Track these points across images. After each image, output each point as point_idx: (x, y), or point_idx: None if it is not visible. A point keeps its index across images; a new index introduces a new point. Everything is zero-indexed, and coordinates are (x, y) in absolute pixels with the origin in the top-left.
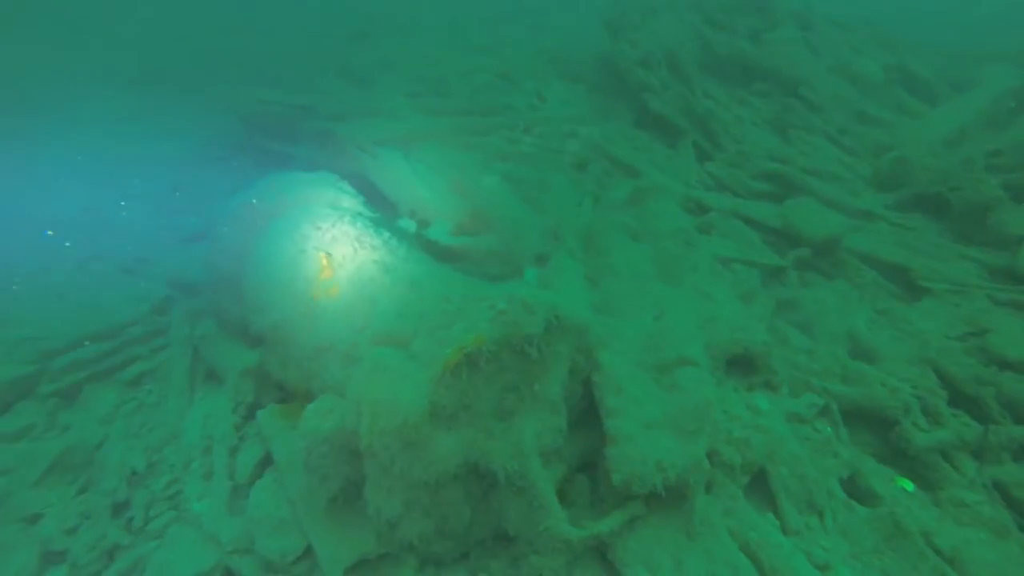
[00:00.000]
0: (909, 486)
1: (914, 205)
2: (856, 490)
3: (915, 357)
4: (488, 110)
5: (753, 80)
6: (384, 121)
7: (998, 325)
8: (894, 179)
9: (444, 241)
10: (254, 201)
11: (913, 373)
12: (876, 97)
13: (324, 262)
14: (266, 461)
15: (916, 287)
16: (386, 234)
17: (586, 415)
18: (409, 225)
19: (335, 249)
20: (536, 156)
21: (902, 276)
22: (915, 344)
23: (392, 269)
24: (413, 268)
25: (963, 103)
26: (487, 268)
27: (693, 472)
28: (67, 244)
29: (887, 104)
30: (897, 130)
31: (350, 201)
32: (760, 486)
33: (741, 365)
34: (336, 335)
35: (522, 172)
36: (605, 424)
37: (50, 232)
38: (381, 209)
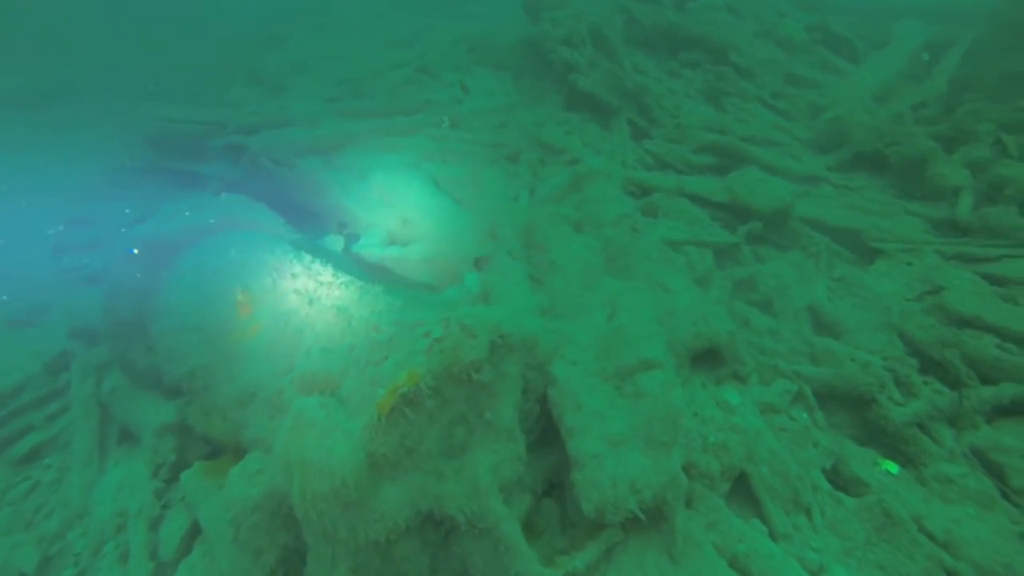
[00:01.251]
0: (893, 468)
1: (855, 164)
2: (841, 479)
3: (879, 324)
4: (410, 108)
5: (681, 50)
6: (300, 130)
7: (950, 281)
8: (832, 139)
9: (376, 254)
10: (153, 236)
11: (880, 343)
12: (802, 58)
13: (240, 298)
14: (195, 531)
15: (868, 249)
16: (307, 257)
17: (547, 433)
18: (336, 242)
19: (252, 281)
20: (465, 152)
21: (853, 239)
22: (876, 311)
23: (316, 298)
24: (339, 293)
25: (884, 59)
26: (425, 278)
27: (671, 489)
28: None
29: (814, 64)
30: (828, 90)
31: (266, 223)
32: (742, 490)
33: (707, 358)
34: (260, 380)
35: (451, 170)
36: (568, 446)
37: None
38: (305, 227)
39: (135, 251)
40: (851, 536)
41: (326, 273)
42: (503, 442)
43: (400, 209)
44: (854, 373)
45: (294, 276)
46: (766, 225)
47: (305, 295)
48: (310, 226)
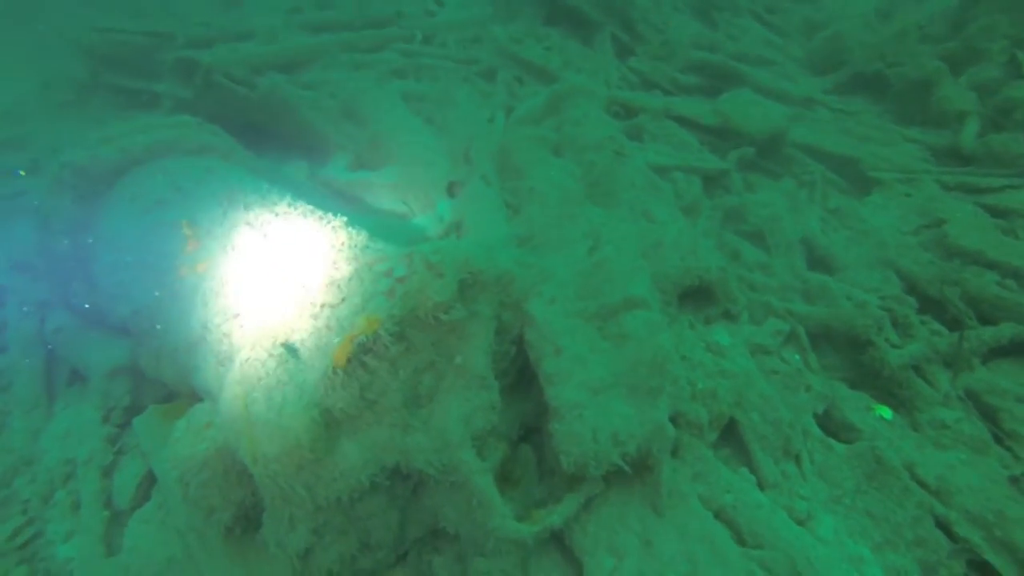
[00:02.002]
0: (887, 413)
1: (853, 87)
2: (832, 424)
3: (875, 260)
4: (379, 21)
5: None
6: (259, 44)
7: (951, 213)
8: (830, 59)
9: (343, 179)
10: (84, 160)
11: (877, 280)
12: None
13: (187, 231)
14: (151, 479)
15: (865, 178)
16: (265, 186)
17: (523, 375)
18: (299, 168)
19: (199, 212)
20: (438, 69)
21: (850, 168)
22: (872, 244)
23: (270, 231)
24: (296, 225)
25: None
26: (395, 205)
27: (656, 440)
28: None
29: None
30: (826, 3)
31: (220, 147)
32: (731, 437)
33: (695, 295)
34: (209, 323)
35: (423, 88)
36: (546, 394)
37: None
38: (266, 151)
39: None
40: (840, 483)
41: (282, 203)
42: (475, 389)
43: (369, 130)
44: (851, 314)
45: (247, 207)
46: (758, 151)
47: (259, 227)
48: (271, 150)
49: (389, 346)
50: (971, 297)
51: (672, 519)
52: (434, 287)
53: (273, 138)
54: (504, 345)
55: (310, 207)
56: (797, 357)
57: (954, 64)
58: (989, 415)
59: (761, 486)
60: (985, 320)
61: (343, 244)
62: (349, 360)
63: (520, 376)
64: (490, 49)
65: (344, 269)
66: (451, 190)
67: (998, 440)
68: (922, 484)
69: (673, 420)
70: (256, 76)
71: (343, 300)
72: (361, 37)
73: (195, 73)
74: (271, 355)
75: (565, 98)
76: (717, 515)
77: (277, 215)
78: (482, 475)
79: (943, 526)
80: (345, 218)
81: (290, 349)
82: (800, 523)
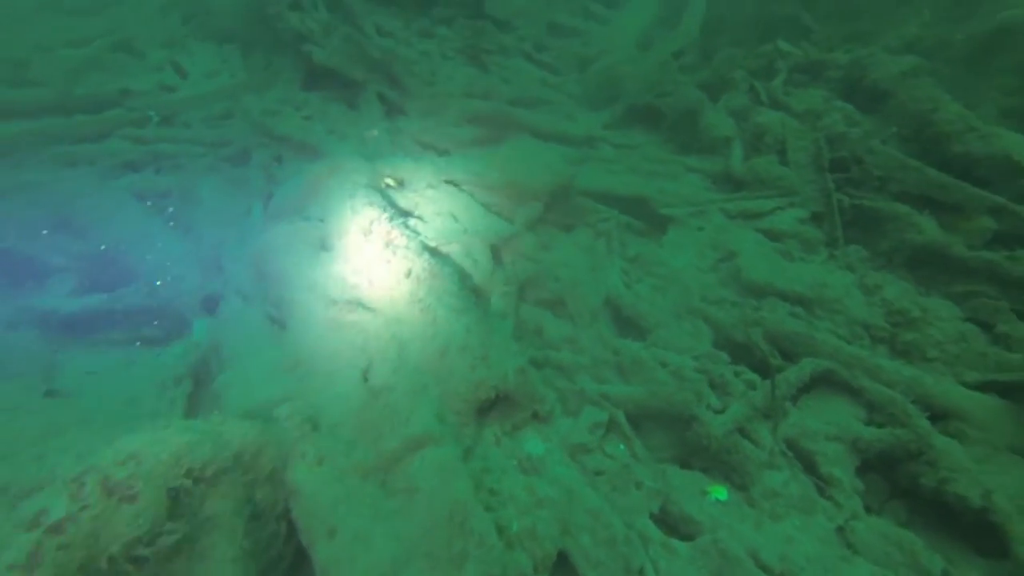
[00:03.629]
0: (723, 494)
1: (630, 119)
2: (670, 519)
3: (682, 309)
4: (98, 101)
5: (433, 5)
6: None
7: (739, 244)
8: (604, 93)
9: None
10: None
11: (686, 333)
12: (562, 5)
13: None
14: None
15: (658, 217)
16: None
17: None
18: None
19: None
20: (181, 156)
21: (642, 207)
22: (677, 292)
23: None
24: None
25: (641, 4)
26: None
27: None
28: None
29: (575, 11)
30: (592, 38)
31: None
32: (565, 566)
33: (498, 402)
34: None
35: (163, 182)
36: None
37: None
38: None
39: None
40: None
41: None
42: None
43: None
44: (668, 390)
45: None
46: (547, 206)
47: None
48: None
49: None
50: (772, 335)
51: None
52: (122, 519)
53: None
54: (269, 527)
55: None
56: (622, 447)
57: (710, 92)
58: (807, 461)
59: None
60: (787, 356)
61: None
62: None
63: (302, 555)
64: (243, 126)
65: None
66: (206, 305)
67: (821, 491)
68: (767, 570)
69: None
70: None
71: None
72: (73, 123)
73: None
74: None
75: (328, 177)
76: None
77: None
78: None
79: None
80: None
81: None
82: None
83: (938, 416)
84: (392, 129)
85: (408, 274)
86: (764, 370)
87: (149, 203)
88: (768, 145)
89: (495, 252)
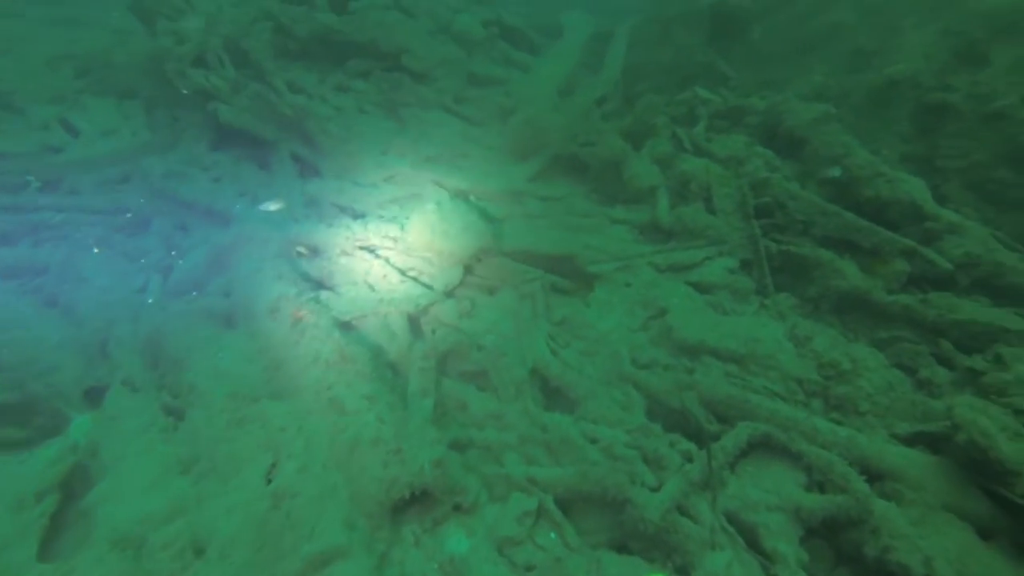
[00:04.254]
0: None
1: (554, 171)
2: None
3: (612, 376)
4: None
5: (347, 59)
6: None
7: (669, 299)
8: (527, 144)
9: None
10: None
11: (617, 404)
12: (482, 55)
13: None
14: None
15: (585, 274)
16: None
17: None
18: None
19: None
20: (65, 226)
21: (568, 265)
22: (606, 357)
23: None
24: None
25: (561, 51)
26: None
27: None
28: None
29: (495, 60)
30: (513, 88)
31: None
32: None
33: (416, 499)
34: None
35: (42, 257)
36: None
37: None
38: None
39: None
40: None
41: None
42: None
43: None
44: (600, 471)
45: None
46: (469, 268)
47: None
48: None
49: None
50: (706, 400)
51: None
52: None
53: None
54: None
55: None
56: (553, 535)
57: (633, 139)
58: (750, 535)
59: None
60: (723, 420)
61: None
62: None
63: None
64: (142, 190)
65: None
66: (89, 398)
67: (766, 570)
68: None
69: None
70: None
71: None
72: None
73: None
74: None
75: (235, 249)
76: None
77: None
78: None
79: None
80: None
81: None
82: None
83: (875, 477)
84: (304, 191)
85: (316, 358)
86: (700, 438)
87: (19, 282)
88: (694, 193)
89: (413, 322)
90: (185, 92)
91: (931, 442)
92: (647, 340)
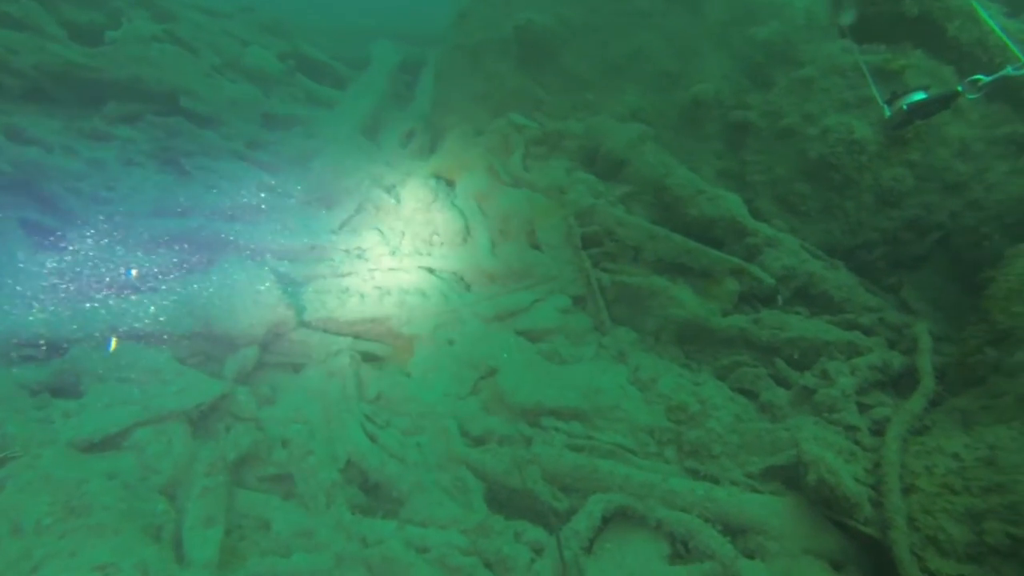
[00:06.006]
0: None
1: (363, 219)
2: None
3: (441, 458)
4: None
5: (106, 100)
6: None
7: (498, 357)
8: (331, 190)
9: None
10: None
11: (449, 497)
12: (280, 92)
13: None
14: None
15: (399, 335)
16: None
17: None
18: None
19: None
20: None
21: (379, 328)
22: (434, 437)
23: None
24: None
25: (367, 84)
26: None
27: None
28: None
29: (295, 97)
30: (316, 127)
31: None
32: None
33: None
34: None
35: None
36: None
37: None
38: None
39: None
40: None
41: None
42: None
43: None
44: None
45: None
46: (264, 347)
47: None
48: None
49: None
50: (551, 474)
51: None
52: None
53: None
54: None
55: None
56: None
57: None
58: None
59: None
60: (571, 492)
61: None
62: None
63: None
64: None
65: None
66: None
67: None
68: None
69: None
70: None
71: None
72: None
73: None
74: None
75: None
76: None
77: None
78: None
79: None
80: None
81: None
82: None
83: (737, 532)
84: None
85: (16, 528)
86: (548, 521)
87: None
88: (516, 228)
89: (195, 425)
90: None
91: (783, 476)
92: (479, 407)
